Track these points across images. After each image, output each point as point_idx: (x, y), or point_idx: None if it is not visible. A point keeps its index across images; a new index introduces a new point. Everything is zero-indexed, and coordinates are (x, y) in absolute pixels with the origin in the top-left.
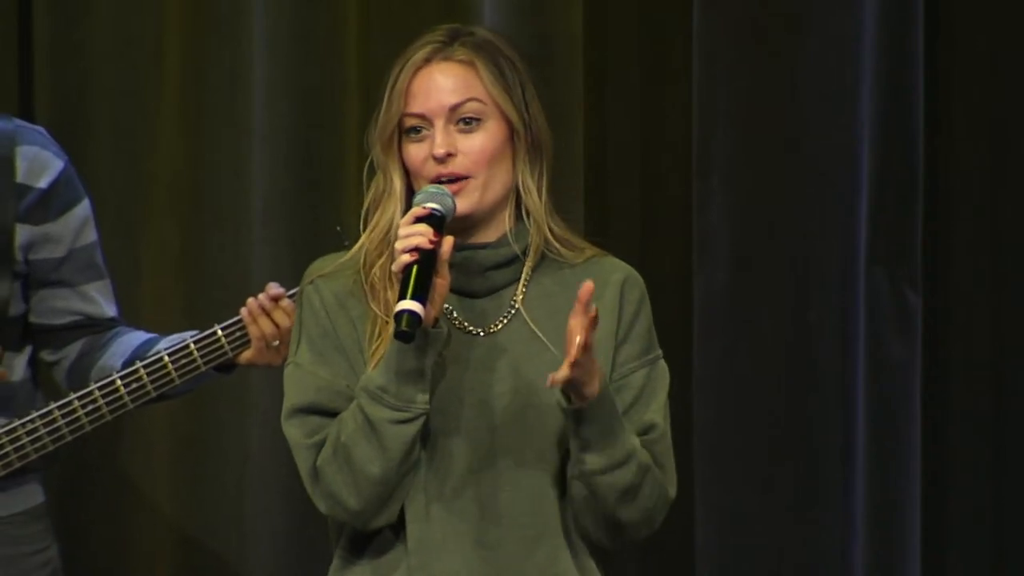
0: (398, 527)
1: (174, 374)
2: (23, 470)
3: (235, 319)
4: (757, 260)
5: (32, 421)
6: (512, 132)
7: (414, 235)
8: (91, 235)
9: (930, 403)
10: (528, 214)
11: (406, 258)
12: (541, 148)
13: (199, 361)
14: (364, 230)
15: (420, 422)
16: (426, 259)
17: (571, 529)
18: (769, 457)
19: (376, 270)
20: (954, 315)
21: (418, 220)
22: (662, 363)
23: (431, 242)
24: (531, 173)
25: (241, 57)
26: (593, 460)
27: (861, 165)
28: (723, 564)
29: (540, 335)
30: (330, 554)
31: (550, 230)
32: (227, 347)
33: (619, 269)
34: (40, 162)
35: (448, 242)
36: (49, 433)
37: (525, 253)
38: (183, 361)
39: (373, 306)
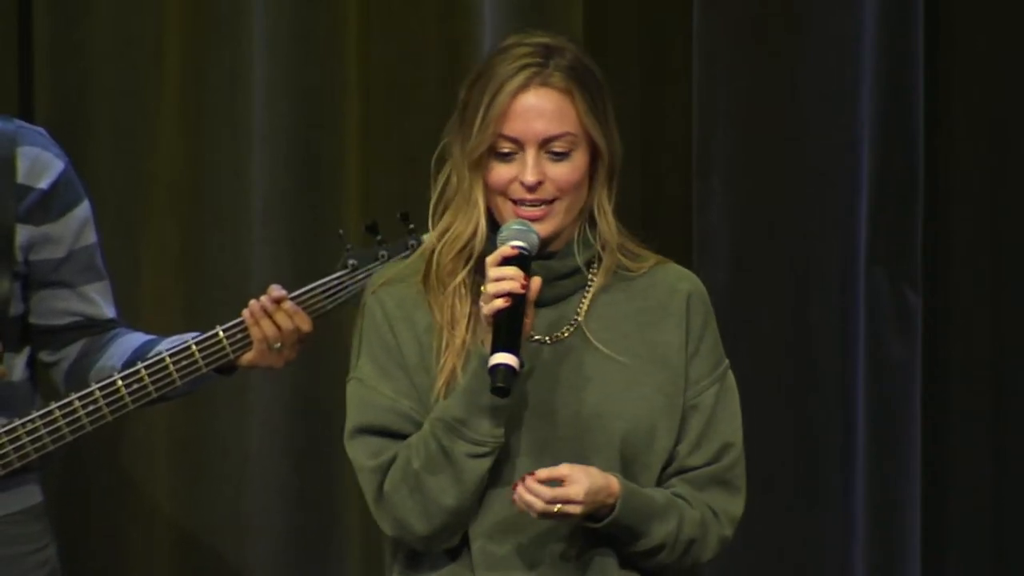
0: (461, 544)
1: (175, 375)
2: (22, 470)
3: (237, 321)
4: (757, 260)
5: (32, 421)
6: (595, 156)
7: (506, 279)
8: (91, 236)
9: (930, 403)
10: (598, 232)
11: (499, 303)
12: (616, 169)
13: (200, 362)
14: (432, 227)
15: (495, 455)
16: (517, 305)
17: None
18: (769, 457)
19: (448, 283)
20: (954, 315)
21: (506, 260)
22: (730, 373)
23: (522, 286)
24: (607, 195)
25: (241, 57)
26: (625, 549)
27: (861, 165)
28: (723, 564)
29: (600, 346)
30: (330, 555)
31: (618, 247)
32: (228, 349)
33: (684, 278)
34: (41, 163)
35: (536, 283)
36: (49, 433)
37: (589, 264)
38: (184, 362)
39: (440, 318)
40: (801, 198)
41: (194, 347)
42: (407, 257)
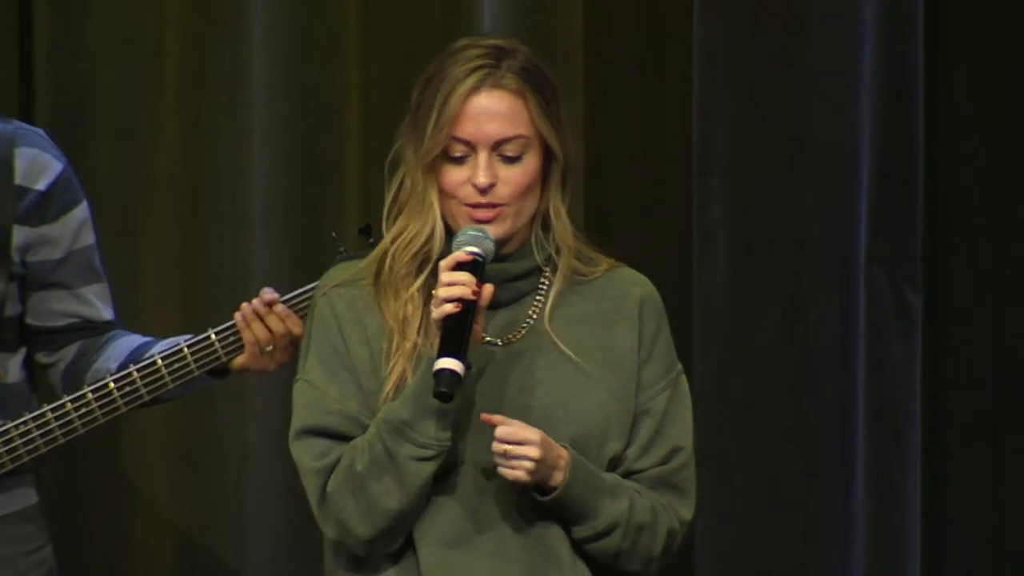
0: (404, 549)
1: (167, 378)
2: (15, 471)
3: (229, 324)
4: (757, 260)
5: (25, 423)
6: (548, 159)
7: (458, 284)
8: (89, 238)
9: (930, 403)
10: (553, 235)
11: (449, 308)
12: (569, 171)
13: (192, 365)
14: (386, 231)
15: (442, 458)
16: (467, 311)
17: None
18: (769, 457)
19: (400, 287)
20: (954, 315)
21: (460, 266)
22: (683, 378)
23: (473, 292)
24: (561, 197)
25: (241, 57)
26: (577, 531)
27: (861, 165)
28: (723, 564)
29: (561, 346)
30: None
31: (572, 250)
32: (220, 352)
33: (637, 283)
34: (39, 164)
35: (488, 290)
36: (42, 435)
37: (543, 267)
38: (176, 365)
39: (390, 321)
40: (801, 198)
41: (186, 350)
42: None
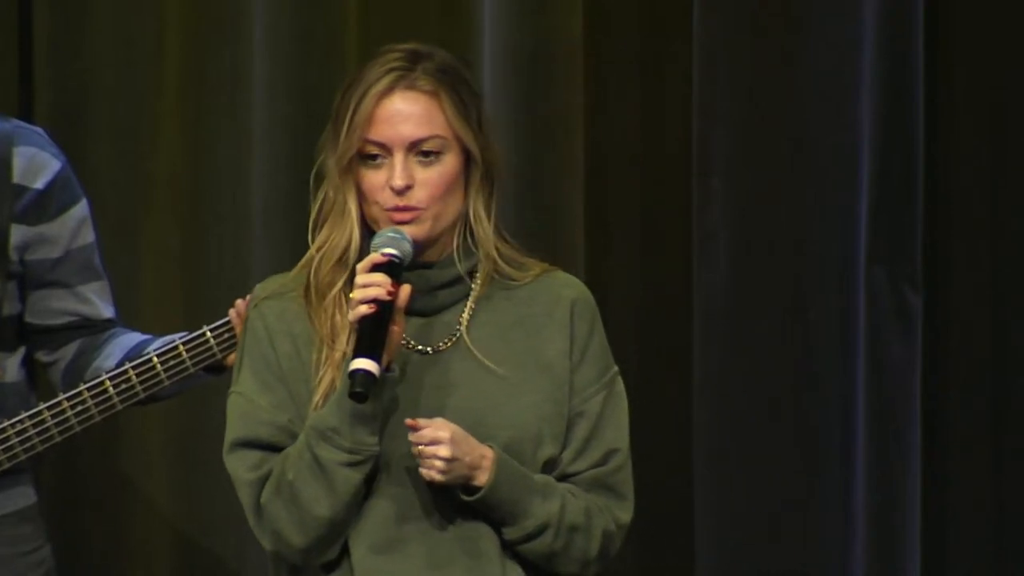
0: (340, 557)
1: (163, 375)
2: (12, 470)
3: (223, 320)
4: (757, 260)
5: (21, 422)
6: (467, 161)
7: (372, 286)
8: (88, 236)
9: (930, 403)
10: (476, 240)
11: (363, 309)
12: (493, 174)
13: (188, 362)
14: (312, 243)
15: (370, 464)
16: (382, 312)
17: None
18: (769, 457)
19: (326, 296)
20: (954, 315)
21: (376, 267)
22: (619, 380)
23: (389, 293)
24: (483, 201)
25: (241, 57)
26: (507, 532)
27: (861, 165)
28: (723, 564)
29: (481, 357)
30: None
31: (498, 253)
32: (215, 348)
33: (568, 285)
34: (37, 162)
35: (405, 290)
36: (39, 434)
37: (471, 273)
38: (172, 362)
39: (319, 331)
40: (801, 198)
41: (181, 347)
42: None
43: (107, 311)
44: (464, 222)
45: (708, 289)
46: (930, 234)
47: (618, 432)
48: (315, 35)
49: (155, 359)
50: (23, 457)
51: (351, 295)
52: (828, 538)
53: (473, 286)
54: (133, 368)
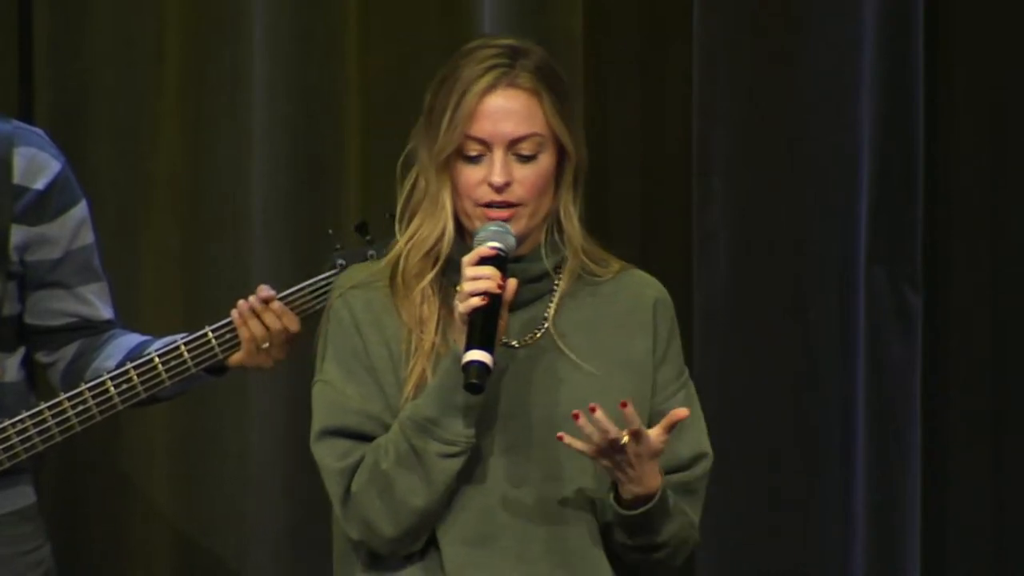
0: (423, 548)
1: (164, 375)
2: (12, 470)
3: (225, 321)
4: (757, 260)
5: (22, 421)
6: (561, 159)
7: (483, 279)
8: (88, 237)
9: (930, 403)
10: (564, 236)
11: (476, 301)
12: (581, 172)
13: (189, 363)
14: (399, 233)
15: (467, 455)
16: (494, 304)
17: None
18: (769, 457)
19: (414, 287)
20: (954, 315)
21: (483, 260)
22: (691, 382)
23: (499, 286)
24: (572, 198)
25: (241, 57)
26: (623, 538)
27: (861, 165)
28: (723, 564)
29: (569, 352)
30: (329, 554)
31: (583, 250)
32: (217, 349)
33: (650, 285)
34: (37, 163)
35: (512, 284)
36: (39, 433)
37: (557, 268)
38: (173, 363)
39: (407, 322)
40: (801, 198)
41: (183, 347)
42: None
43: (107, 312)
44: (553, 218)
45: (708, 289)
46: (930, 234)
47: (702, 435)
48: (315, 35)
49: (156, 359)
50: (24, 456)
51: (460, 288)
52: (828, 538)
53: (558, 282)
54: (134, 368)
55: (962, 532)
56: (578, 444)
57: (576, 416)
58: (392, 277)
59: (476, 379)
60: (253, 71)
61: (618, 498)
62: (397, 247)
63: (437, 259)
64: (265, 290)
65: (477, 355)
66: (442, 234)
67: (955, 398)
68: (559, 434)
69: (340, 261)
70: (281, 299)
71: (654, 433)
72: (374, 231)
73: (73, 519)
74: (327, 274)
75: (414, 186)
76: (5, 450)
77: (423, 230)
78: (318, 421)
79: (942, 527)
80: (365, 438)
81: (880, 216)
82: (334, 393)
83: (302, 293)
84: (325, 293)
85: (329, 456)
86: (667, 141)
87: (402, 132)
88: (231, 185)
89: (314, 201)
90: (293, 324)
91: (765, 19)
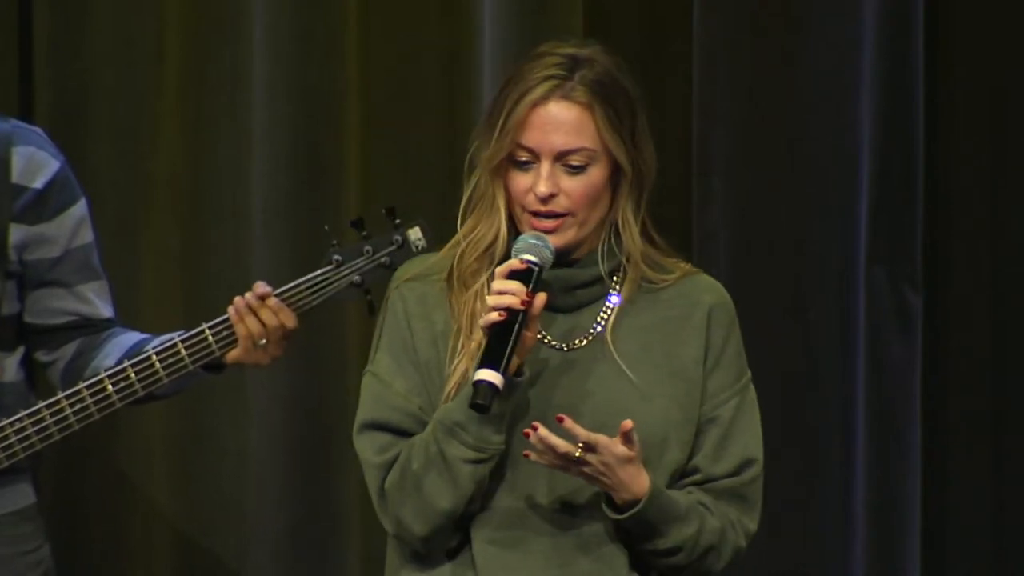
0: (462, 545)
1: (162, 373)
2: (12, 470)
3: (222, 318)
4: (757, 260)
5: (20, 420)
6: (616, 170)
7: (507, 294)
8: (87, 236)
9: (930, 403)
10: (622, 244)
11: (494, 316)
12: (644, 181)
13: (187, 360)
14: (460, 227)
15: (494, 461)
16: (512, 321)
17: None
18: (769, 457)
19: (469, 285)
20: (954, 315)
21: (514, 274)
22: (751, 387)
23: (523, 302)
24: (632, 208)
25: (241, 57)
26: (641, 545)
27: (861, 165)
28: None
29: (618, 359)
30: (330, 555)
31: (642, 257)
32: (214, 346)
33: (709, 290)
34: (36, 162)
35: (540, 299)
36: (38, 432)
37: (613, 273)
38: (171, 360)
39: (457, 319)
40: (801, 198)
41: (180, 344)
42: (431, 252)
43: (106, 311)
44: (611, 225)
45: None
46: (930, 234)
47: (754, 440)
48: (315, 35)
49: (154, 357)
50: (22, 456)
51: (486, 298)
52: (828, 538)
53: (613, 288)
54: (132, 366)
55: (962, 532)
56: (533, 456)
57: (526, 434)
58: (449, 272)
59: (481, 400)
60: (253, 71)
61: (612, 504)
62: (454, 239)
63: (492, 259)
64: (261, 286)
65: (485, 375)
66: (496, 236)
67: (955, 398)
68: (525, 452)
69: (336, 257)
70: (277, 295)
71: (614, 441)
72: (370, 227)
73: (73, 519)
74: (323, 270)
75: (477, 183)
76: (3, 449)
77: (480, 229)
78: (362, 413)
79: (942, 527)
80: (405, 434)
81: (880, 216)
82: (380, 386)
83: (298, 289)
84: (322, 289)
85: (369, 449)
86: (667, 141)
87: (402, 132)
88: (231, 185)
89: (314, 201)
90: (290, 320)
91: (765, 19)
